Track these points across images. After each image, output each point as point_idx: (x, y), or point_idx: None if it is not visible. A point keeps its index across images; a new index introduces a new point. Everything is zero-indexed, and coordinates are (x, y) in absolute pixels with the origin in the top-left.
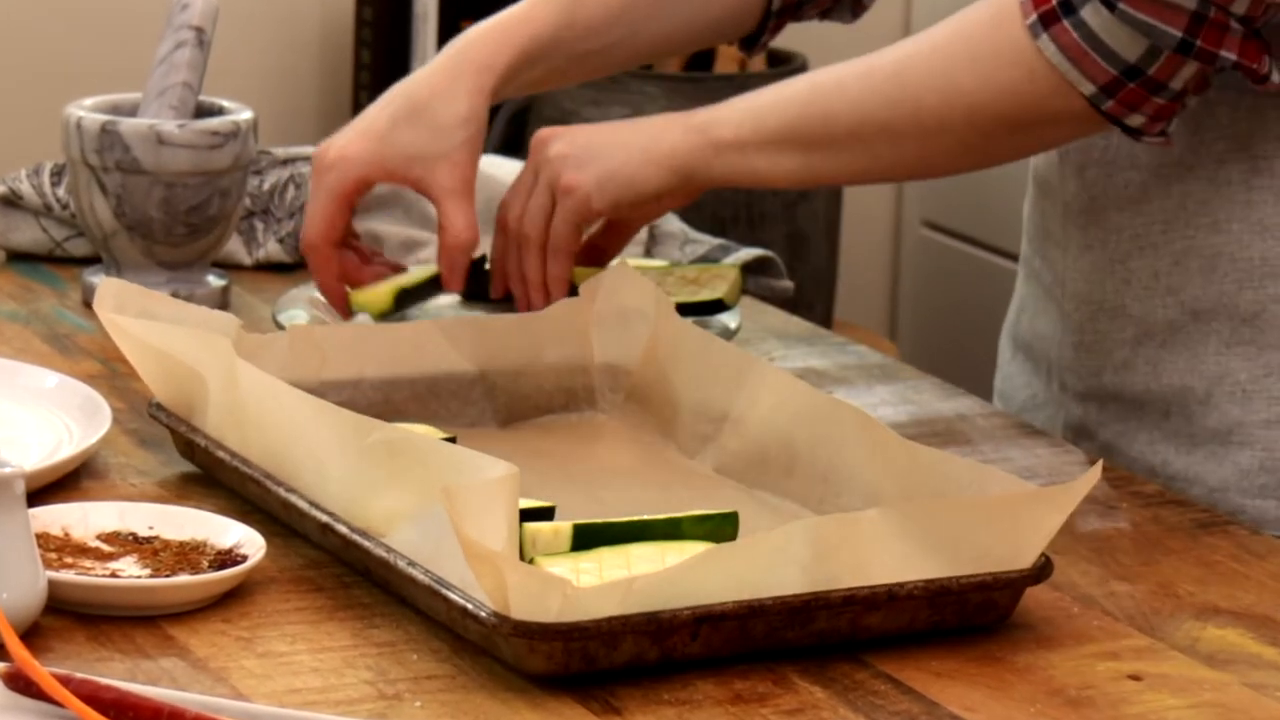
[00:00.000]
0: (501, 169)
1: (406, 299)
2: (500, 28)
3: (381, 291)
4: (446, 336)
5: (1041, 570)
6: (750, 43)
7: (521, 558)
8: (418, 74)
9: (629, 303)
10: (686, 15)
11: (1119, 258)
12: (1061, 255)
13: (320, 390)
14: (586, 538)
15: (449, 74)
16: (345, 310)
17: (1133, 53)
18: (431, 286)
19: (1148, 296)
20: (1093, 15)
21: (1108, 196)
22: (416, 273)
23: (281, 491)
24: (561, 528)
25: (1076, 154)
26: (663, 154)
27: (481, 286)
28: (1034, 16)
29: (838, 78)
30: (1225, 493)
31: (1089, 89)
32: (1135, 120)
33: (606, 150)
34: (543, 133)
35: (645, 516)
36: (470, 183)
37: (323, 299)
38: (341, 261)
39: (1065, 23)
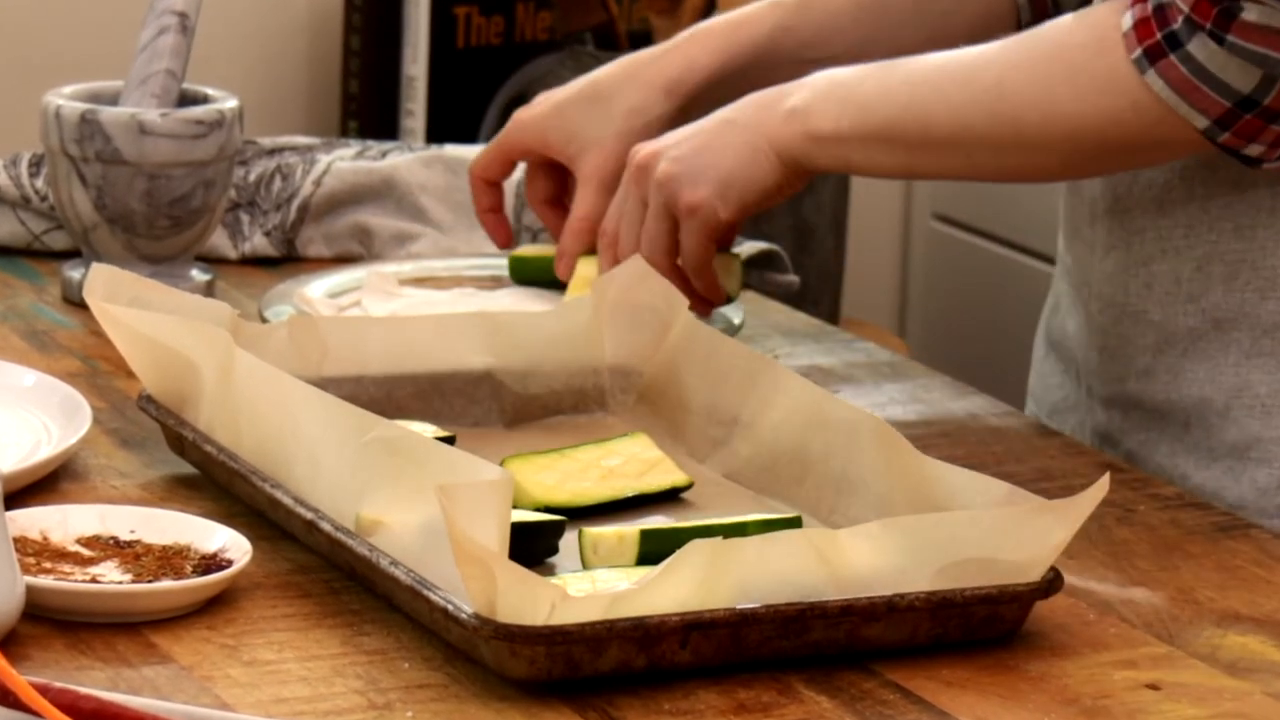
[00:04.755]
0: None
1: (524, 272)
2: (715, 29)
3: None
4: (454, 333)
5: (1050, 584)
6: None
7: (584, 566)
8: (628, 58)
9: (642, 301)
10: (927, 31)
11: (1142, 260)
12: (1088, 255)
13: (321, 384)
14: (653, 543)
15: (645, 64)
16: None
17: (1246, 84)
18: (550, 270)
19: (1170, 302)
20: (1201, 49)
21: (1132, 197)
22: (545, 249)
23: (267, 488)
24: (627, 534)
25: None
26: (767, 147)
27: None
28: (1139, 51)
29: (936, 83)
30: (1243, 510)
31: (1202, 122)
32: (1254, 150)
33: (713, 158)
34: (639, 157)
35: (710, 522)
36: (606, 175)
37: (312, 297)
38: (497, 196)
39: (1172, 57)
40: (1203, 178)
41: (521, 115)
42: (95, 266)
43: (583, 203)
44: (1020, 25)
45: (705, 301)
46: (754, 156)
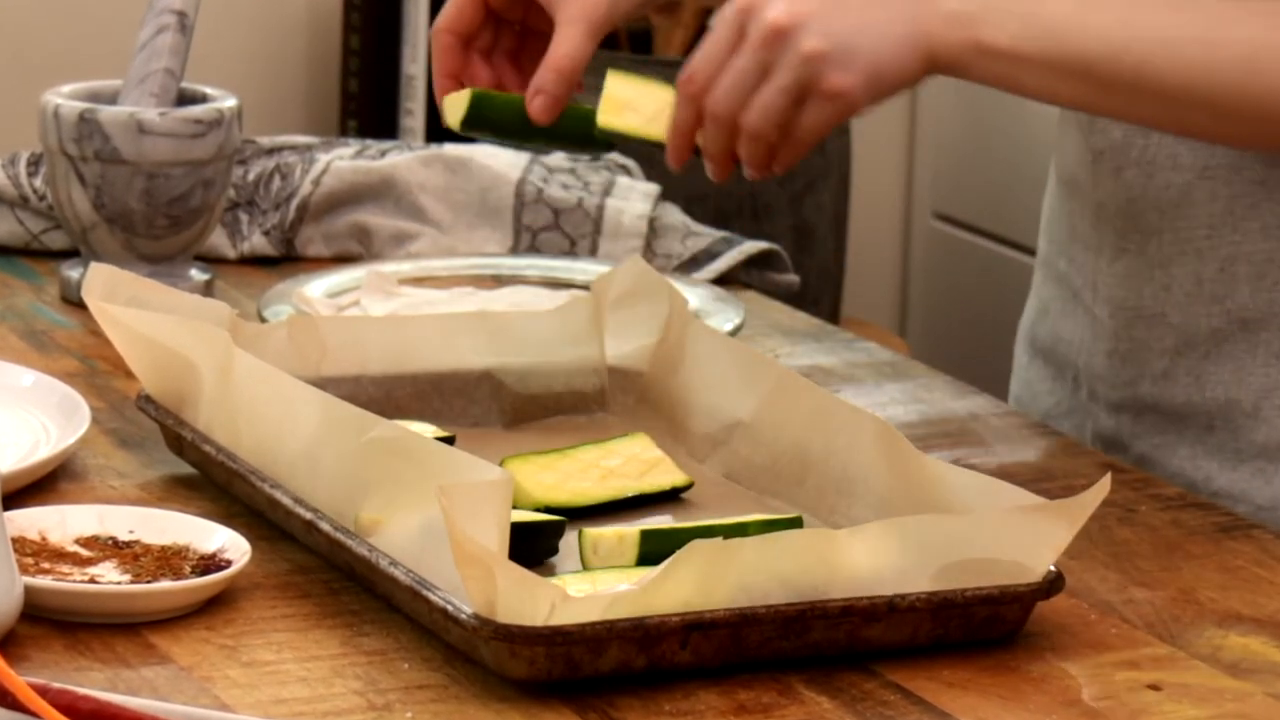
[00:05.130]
0: (498, 159)
1: (484, 112)
2: None
3: (462, 94)
4: (453, 332)
5: (1052, 585)
6: None
7: (584, 567)
8: None
9: (643, 301)
10: None
11: (1159, 262)
12: (1093, 258)
13: (320, 384)
14: (653, 543)
15: None
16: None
17: None
18: (520, 115)
19: (1190, 304)
20: None
21: (1147, 199)
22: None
23: (266, 488)
24: (627, 534)
25: (1113, 155)
26: (922, 45)
27: (581, 136)
28: None
29: (1166, 36)
30: (1274, 511)
31: None
32: None
33: (869, 43)
34: (774, 17)
35: (710, 522)
36: (598, 24)
37: (311, 297)
38: (465, 61)
39: None
40: (1226, 178)
41: None
42: (94, 266)
43: (567, 42)
44: None
45: (767, 170)
46: (910, 52)
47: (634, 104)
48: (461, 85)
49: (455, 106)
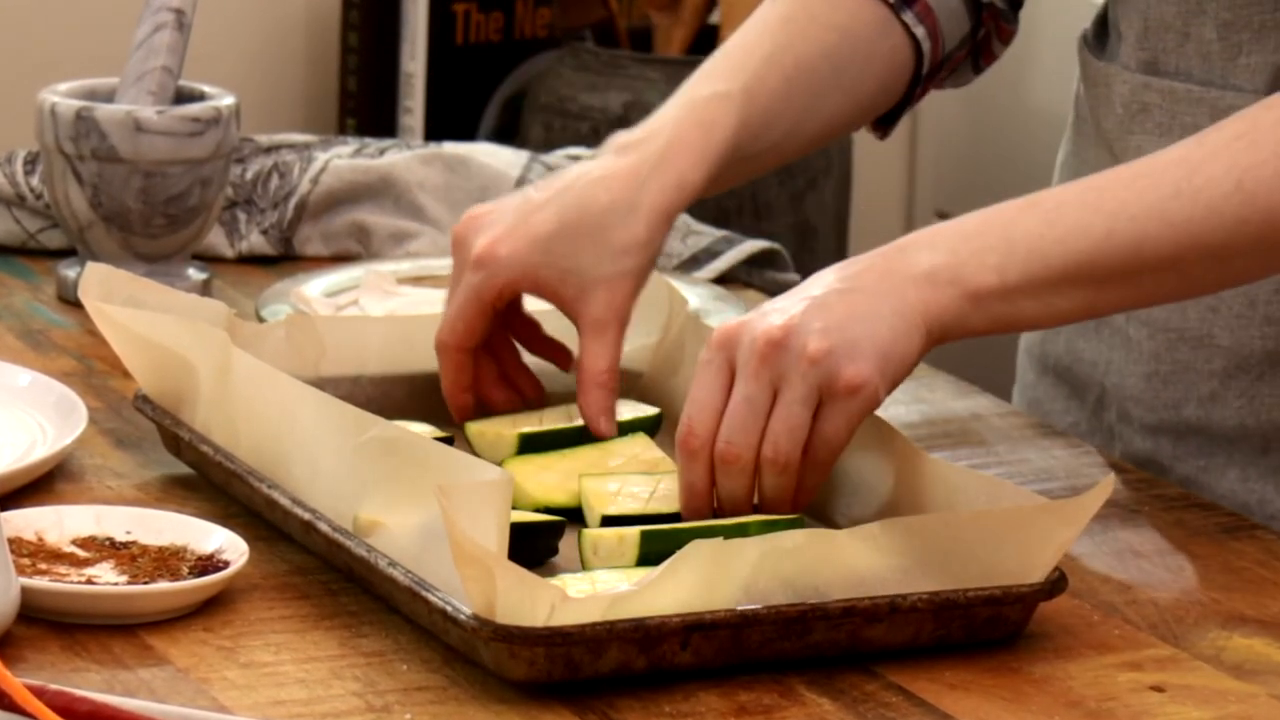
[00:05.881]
0: (497, 157)
1: (534, 449)
2: (689, 141)
3: (506, 436)
4: None
5: (1054, 585)
6: (889, 120)
7: (584, 567)
8: (597, 169)
9: (642, 301)
10: (845, 97)
11: None
12: None
13: (318, 384)
14: (654, 543)
15: (632, 182)
16: (462, 423)
17: None
18: (568, 439)
19: (1242, 326)
20: None
21: None
22: (551, 416)
23: (264, 488)
24: (627, 534)
25: None
26: (918, 317)
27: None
28: None
29: (1143, 203)
30: None
31: None
32: None
33: (867, 328)
34: (766, 333)
35: (711, 522)
36: (624, 317)
37: (309, 296)
38: (477, 369)
39: None
40: None
41: (491, 252)
42: (90, 265)
43: (605, 353)
44: (919, 71)
45: (793, 508)
46: (906, 328)
47: (624, 493)
48: (474, 394)
49: (495, 447)
